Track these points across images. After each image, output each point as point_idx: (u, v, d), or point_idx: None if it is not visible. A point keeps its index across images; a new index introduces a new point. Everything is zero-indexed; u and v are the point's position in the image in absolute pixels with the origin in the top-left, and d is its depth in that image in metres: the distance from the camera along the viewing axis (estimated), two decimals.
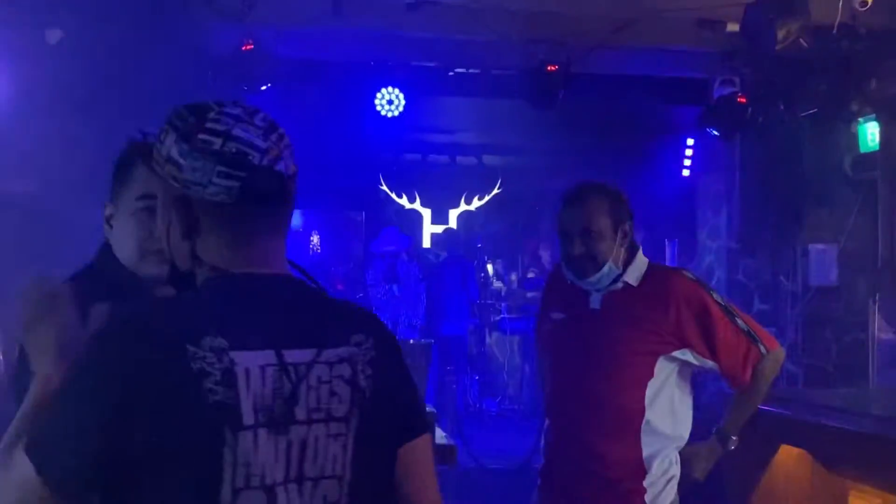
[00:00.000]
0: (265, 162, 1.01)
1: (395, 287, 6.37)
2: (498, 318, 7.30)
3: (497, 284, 7.75)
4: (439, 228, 8.09)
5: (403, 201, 8.34)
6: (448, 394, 6.35)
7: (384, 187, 8.19)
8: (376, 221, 7.70)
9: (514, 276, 7.80)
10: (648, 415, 1.93)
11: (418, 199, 8.37)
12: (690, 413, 2.00)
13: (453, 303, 6.55)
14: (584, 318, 2.00)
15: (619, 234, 1.96)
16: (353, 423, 1.06)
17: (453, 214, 8.43)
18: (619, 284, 1.97)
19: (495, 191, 8.27)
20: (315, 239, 8.34)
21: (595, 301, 1.99)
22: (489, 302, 7.34)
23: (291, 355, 1.03)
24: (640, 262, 2.00)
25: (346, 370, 1.05)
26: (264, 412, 0.99)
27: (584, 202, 1.95)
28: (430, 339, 4.61)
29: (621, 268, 1.96)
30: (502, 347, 7.45)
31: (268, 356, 1.01)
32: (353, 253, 7.98)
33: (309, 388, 1.03)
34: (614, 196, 1.97)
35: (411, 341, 3.19)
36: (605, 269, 1.94)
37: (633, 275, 1.98)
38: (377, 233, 6.72)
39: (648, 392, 1.93)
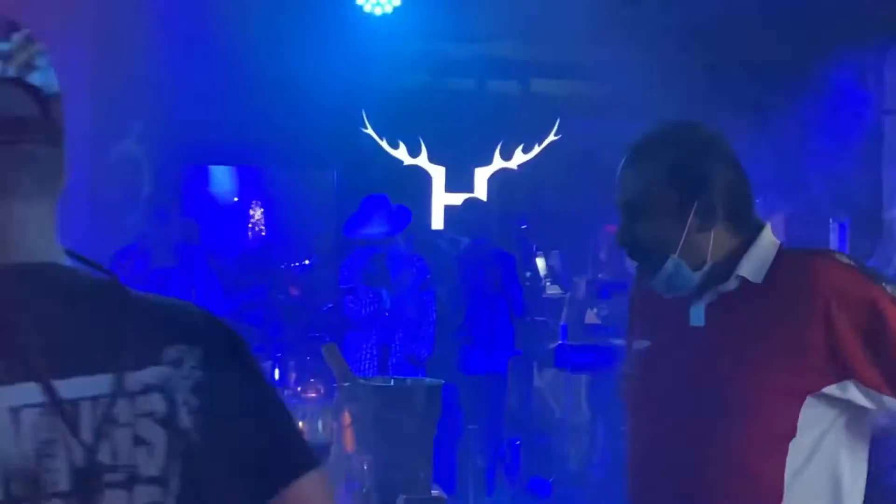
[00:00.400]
0: (9, 72, 1.02)
1: (384, 293, 5.83)
2: (554, 345, 7.24)
3: (553, 290, 7.94)
4: (458, 199, 7.89)
5: (400, 153, 8.20)
6: (471, 468, 6.34)
7: (369, 130, 8.10)
8: (355, 186, 7.44)
9: (580, 280, 7.45)
10: (789, 501, 1.89)
11: (424, 151, 8.29)
12: (861, 496, 1.95)
13: (481, 320, 6.62)
14: (680, 344, 2.01)
15: (696, 210, 1.97)
16: (174, 486, 1.03)
17: (481, 176, 8.42)
18: (732, 283, 1.97)
19: (550, 138, 8.37)
20: (257, 213, 8.69)
21: (697, 315, 2.01)
22: (540, 319, 7.39)
23: (69, 387, 1.00)
24: (765, 246, 1.99)
25: (157, 404, 1.03)
26: (21, 482, 0.96)
27: (634, 160, 2.01)
28: (440, 378, 4.08)
29: (709, 260, 1.98)
30: (561, 393, 7.53)
31: (27, 392, 0.98)
32: (318, 237, 8.06)
33: (99, 436, 1.00)
34: (690, 149, 2.00)
35: (408, 382, 2.97)
36: (669, 265, 1.97)
37: (752, 266, 1.97)
38: (356, 205, 6.18)
39: (790, 461, 1.90)
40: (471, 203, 7.39)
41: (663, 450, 2.01)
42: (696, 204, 1.97)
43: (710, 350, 1.99)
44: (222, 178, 9.70)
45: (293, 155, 8.02)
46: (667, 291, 2.04)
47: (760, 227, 2.04)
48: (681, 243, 1.99)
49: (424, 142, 8.26)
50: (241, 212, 8.76)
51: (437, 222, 8.34)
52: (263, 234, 8.72)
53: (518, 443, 6.94)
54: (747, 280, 1.98)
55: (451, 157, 8.39)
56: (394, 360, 5.88)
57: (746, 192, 2.03)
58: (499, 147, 8.35)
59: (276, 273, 7.23)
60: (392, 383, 2.86)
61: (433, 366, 6.17)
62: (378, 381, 2.89)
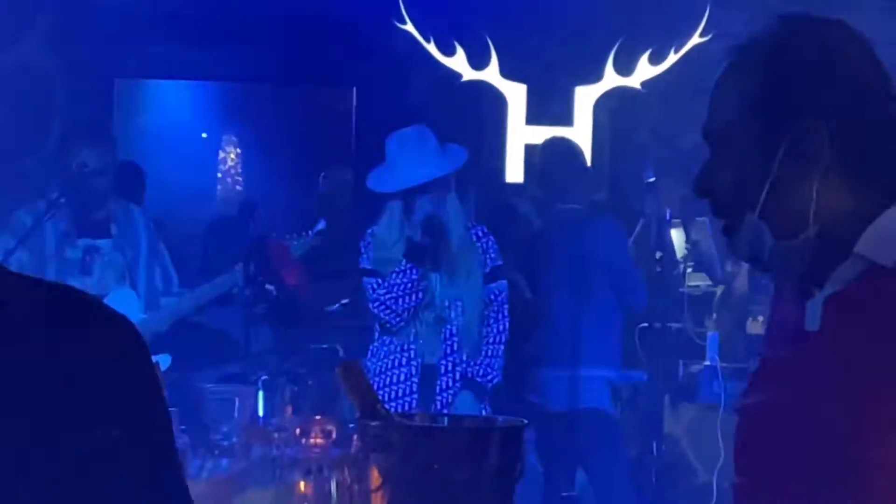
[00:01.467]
0: None
1: (435, 279, 6.00)
2: (698, 367, 7.40)
3: (697, 281, 7.99)
4: (546, 134, 7.86)
5: (456, 63, 8.27)
6: None
7: (408, 27, 8.25)
8: (383, 115, 7.51)
9: (739, 266, 7.74)
10: None
11: (494, 60, 8.40)
12: None
13: (578, 325, 6.79)
14: (793, 359, 2.18)
15: (787, 149, 2.08)
16: None
17: (584, 99, 8.52)
18: (853, 267, 2.07)
19: (695, 40, 8.44)
20: (231, 156, 8.97)
21: (812, 314, 2.13)
22: (675, 326, 7.50)
23: None
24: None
25: None
26: None
27: (723, 73, 2.16)
28: (520, 417, 4.11)
29: (811, 224, 2.10)
30: (708, 443, 7.32)
31: None
32: (328, 193, 8.38)
33: None
34: (794, 55, 2.13)
35: (470, 421, 3.29)
36: (746, 227, 2.12)
37: (878, 240, 2.08)
38: (382, 140, 6.35)
39: None
40: (562, 143, 7.39)
41: None
42: (787, 139, 2.07)
43: (825, 366, 2.09)
44: (178, 102, 9.85)
45: (290, 65, 8.04)
46: (758, 269, 2.17)
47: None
48: (762, 196, 2.09)
49: (494, 45, 8.24)
50: (209, 155, 9.01)
51: (514, 172, 8.35)
52: (239, 188, 8.90)
53: None
54: (875, 263, 2.06)
55: (537, 70, 8.37)
56: (444, 386, 5.95)
57: (883, 129, 2.10)
58: (612, 54, 8.32)
59: (261, 250, 7.14)
60: (446, 423, 2.89)
61: (501, 395, 6.14)
62: (424, 419, 2.91)
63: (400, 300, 5.94)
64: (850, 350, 2.09)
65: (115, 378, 1.27)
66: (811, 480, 2.11)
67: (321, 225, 7.69)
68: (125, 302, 5.74)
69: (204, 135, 9.25)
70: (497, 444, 2.64)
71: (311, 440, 3.90)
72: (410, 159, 6.07)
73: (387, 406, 2.73)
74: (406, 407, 5.57)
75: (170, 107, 10.15)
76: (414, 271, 5.90)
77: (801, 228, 2.10)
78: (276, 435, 3.82)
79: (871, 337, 2.08)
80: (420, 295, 5.94)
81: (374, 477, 2.60)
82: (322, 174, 8.81)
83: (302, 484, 2.58)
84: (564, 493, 6.42)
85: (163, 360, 5.32)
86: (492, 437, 2.67)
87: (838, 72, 2.11)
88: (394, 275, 5.92)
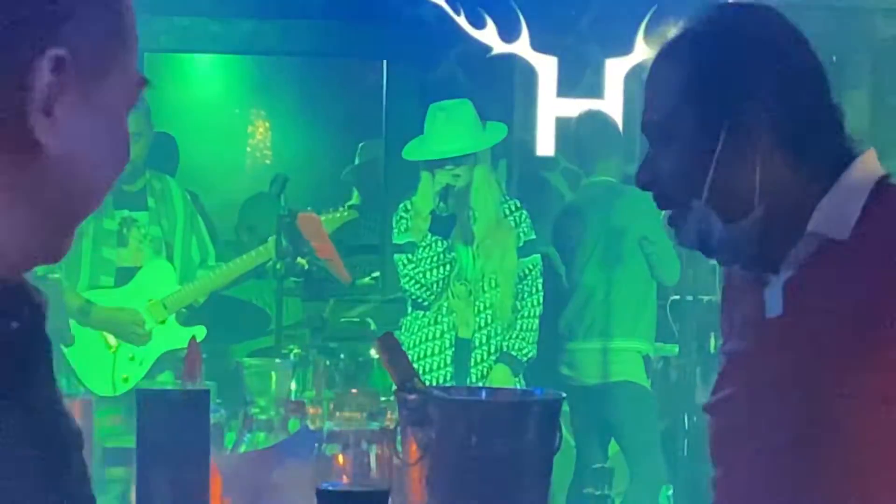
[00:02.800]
0: None
1: (466, 252, 6.07)
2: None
3: None
4: (578, 107, 7.93)
5: (486, 35, 8.24)
6: None
7: None
8: (413, 86, 7.86)
9: None
10: None
11: (525, 32, 8.32)
12: None
13: (611, 298, 6.84)
14: (758, 347, 2.20)
15: (729, 131, 2.11)
16: None
17: (614, 70, 8.49)
18: (807, 245, 2.12)
19: None
20: (261, 128, 8.63)
21: (773, 300, 2.16)
22: (707, 299, 7.28)
23: None
24: (853, 185, 2.12)
25: None
26: None
27: (657, 62, 2.21)
28: (559, 390, 4.22)
29: (756, 204, 2.12)
30: None
31: None
32: (361, 165, 8.46)
33: None
34: (728, 40, 2.16)
35: (511, 394, 3.39)
36: (692, 214, 2.14)
37: (831, 215, 2.12)
38: (416, 114, 6.54)
39: None
40: (594, 117, 7.35)
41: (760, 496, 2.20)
42: (726, 123, 2.11)
43: (793, 350, 2.13)
44: (207, 76, 9.82)
45: (319, 38, 8.08)
46: (707, 254, 2.20)
47: (847, 155, 2.15)
48: (707, 181, 2.12)
49: (525, 18, 8.19)
50: (238, 129, 9.00)
51: (546, 145, 8.32)
52: (268, 161, 8.92)
53: (671, 494, 6.91)
54: (831, 240, 2.10)
55: (569, 43, 8.29)
56: (477, 360, 5.96)
57: (821, 107, 2.13)
58: (643, 25, 8.18)
59: (293, 224, 7.07)
60: (484, 396, 2.88)
61: (536, 369, 6.21)
62: (461, 393, 2.90)
63: (427, 273, 5.95)
64: (818, 330, 2.12)
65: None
66: (787, 467, 2.15)
67: (355, 199, 7.68)
68: (161, 274, 5.76)
69: (236, 110, 9.23)
70: (535, 417, 2.67)
71: (346, 414, 3.89)
72: (447, 131, 6.08)
73: (424, 380, 2.73)
74: (441, 381, 5.60)
75: (199, 81, 10.15)
76: (439, 243, 5.91)
77: (747, 210, 2.11)
78: (311, 409, 3.81)
79: (837, 313, 2.11)
80: (448, 267, 5.94)
81: (413, 450, 2.61)
82: (361, 144, 8.84)
83: (340, 457, 2.54)
84: (597, 465, 6.13)
85: (198, 333, 5.33)
86: (530, 411, 2.67)
87: (773, 55, 2.13)
88: (420, 249, 5.92)
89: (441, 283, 5.94)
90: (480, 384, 5.65)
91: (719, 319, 2.41)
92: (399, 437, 2.62)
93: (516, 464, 2.57)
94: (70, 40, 1.19)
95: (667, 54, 2.20)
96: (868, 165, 2.18)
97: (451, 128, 6.09)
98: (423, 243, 5.93)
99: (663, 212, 6.50)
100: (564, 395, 2.84)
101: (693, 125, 2.15)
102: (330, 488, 2.38)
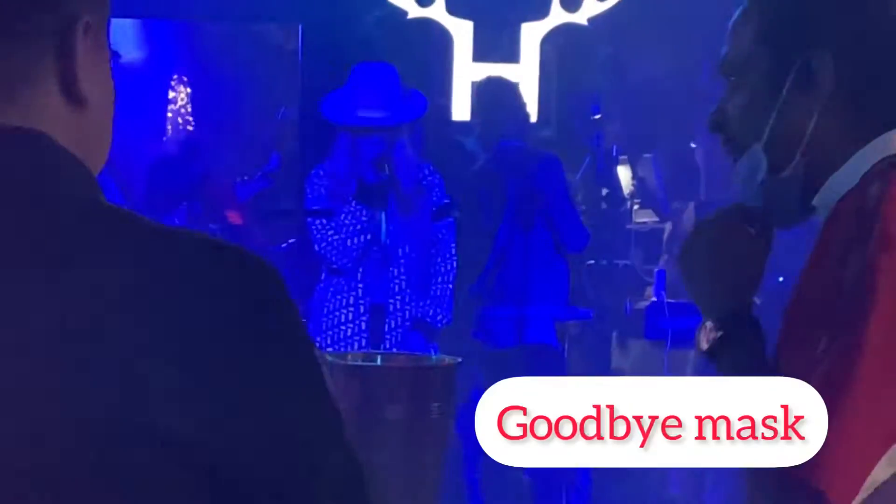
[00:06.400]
0: None
1: (382, 218, 6.04)
2: (645, 302, 7.53)
3: (644, 217, 8.26)
4: (493, 71, 8.00)
5: (402, 0, 8.39)
6: (512, 494, 6.85)
7: None
8: (328, 52, 7.80)
9: (686, 202, 7.84)
10: None
11: None
12: None
13: (526, 261, 6.86)
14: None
15: (796, 77, 2.12)
16: None
17: (531, 36, 8.54)
18: (820, 209, 2.17)
19: None
20: (182, 94, 8.85)
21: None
22: (622, 263, 7.71)
23: None
24: (875, 151, 2.11)
25: None
26: None
27: (740, 13, 2.22)
28: (473, 355, 4.90)
29: (798, 157, 2.14)
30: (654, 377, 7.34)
31: None
32: (277, 133, 8.58)
33: None
34: None
35: (410, 359, 3.34)
36: (747, 159, 2.15)
37: (834, 185, 2.13)
38: (331, 79, 6.55)
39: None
40: (504, 84, 7.39)
41: None
42: (794, 70, 2.11)
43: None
44: (125, 42, 9.87)
45: (234, 4, 8.11)
46: (770, 208, 2.18)
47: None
48: (768, 126, 2.13)
49: None
50: (157, 93, 9.05)
51: (461, 110, 8.35)
52: (189, 125, 9.03)
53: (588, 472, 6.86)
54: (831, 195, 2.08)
55: (484, 7, 8.34)
56: (392, 326, 5.94)
57: (884, 59, 2.11)
58: None
59: (205, 189, 7.25)
60: (379, 361, 2.85)
61: (447, 336, 6.24)
62: (356, 358, 2.87)
63: (348, 240, 5.97)
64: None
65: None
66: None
67: (274, 163, 7.70)
68: None
69: (156, 76, 9.46)
70: (429, 382, 2.66)
71: None
72: (372, 97, 6.08)
73: (331, 346, 2.69)
74: (351, 347, 5.60)
75: (118, 47, 10.13)
76: (364, 212, 5.93)
77: (790, 160, 2.13)
78: None
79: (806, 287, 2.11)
80: (368, 235, 5.97)
81: None
82: (281, 110, 8.93)
83: None
84: None
85: None
86: (424, 376, 2.67)
87: (852, 6, 2.14)
88: (342, 215, 5.94)
89: (360, 249, 5.89)
90: (395, 350, 5.68)
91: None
92: None
93: (410, 429, 2.58)
94: (88, 4, 1.39)
95: None
96: (889, 143, 2.18)
97: (375, 93, 6.08)
98: (346, 209, 5.95)
99: (577, 175, 6.32)
100: (460, 359, 2.83)
101: (765, 70, 2.17)
102: None
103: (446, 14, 8.37)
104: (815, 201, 2.16)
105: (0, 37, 1.33)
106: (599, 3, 8.35)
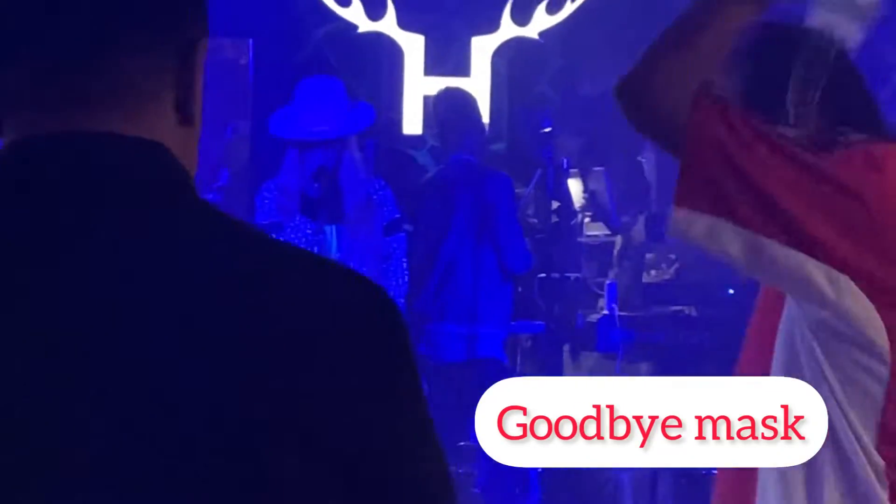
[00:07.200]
0: None
1: (329, 231, 6.10)
2: (594, 314, 7.48)
3: (594, 230, 8.16)
4: (441, 85, 7.96)
5: (352, 14, 8.50)
6: None
7: None
8: (280, 66, 7.95)
9: (637, 215, 7.92)
10: None
11: (391, 11, 8.58)
12: None
13: (459, 279, 6.87)
14: None
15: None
16: None
17: (482, 50, 8.65)
18: None
19: None
20: None
21: None
22: (573, 276, 7.57)
23: None
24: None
25: None
26: None
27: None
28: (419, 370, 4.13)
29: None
30: None
31: None
32: (228, 148, 8.32)
33: None
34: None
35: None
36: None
37: None
38: (283, 94, 6.50)
39: None
40: (457, 94, 7.38)
41: None
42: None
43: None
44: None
45: None
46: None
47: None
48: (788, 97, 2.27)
49: None
50: None
51: (412, 124, 8.32)
52: None
53: (538, 472, 6.89)
54: None
55: (435, 21, 8.41)
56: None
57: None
58: (509, 4, 8.39)
59: None
60: None
61: None
62: None
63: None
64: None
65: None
66: None
67: (224, 178, 7.63)
68: None
69: None
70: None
71: None
72: (317, 110, 6.03)
73: None
74: None
75: None
76: (309, 225, 5.90)
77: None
78: None
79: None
80: (316, 249, 5.85)
81: None
82: (231, 126, 8.75)
83: None
84: (462, 443, 6.42)
85: None
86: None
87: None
88: (288, 230, 5.90)
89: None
90: None
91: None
92: None
93: None
94: (203, 29, 1.42)
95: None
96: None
97: (320, 107, 6.05)
98: (291, 224, 5.91)
99: (522, 191, 6.30)
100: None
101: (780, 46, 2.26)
102: None
103: (397, 28, 8.38)
104: None
105: (138, 56, 1.36)
106: (550, 16, 8.40)
